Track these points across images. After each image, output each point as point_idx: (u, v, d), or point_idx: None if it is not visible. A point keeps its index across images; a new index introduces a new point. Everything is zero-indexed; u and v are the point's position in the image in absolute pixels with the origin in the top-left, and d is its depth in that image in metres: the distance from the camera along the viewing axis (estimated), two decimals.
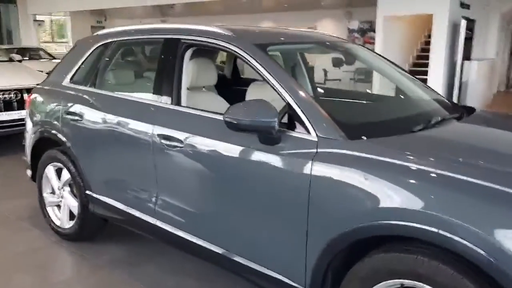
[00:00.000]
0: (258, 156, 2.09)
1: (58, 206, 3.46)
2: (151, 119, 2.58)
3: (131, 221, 2.84)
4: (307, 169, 1.90)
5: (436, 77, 9.30)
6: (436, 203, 1.58)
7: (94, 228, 3.31)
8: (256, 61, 2.25)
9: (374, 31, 14.26)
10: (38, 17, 20.64)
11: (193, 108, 2.46)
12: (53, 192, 3.46)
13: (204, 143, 2.31)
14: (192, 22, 2.70)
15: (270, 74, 2.19)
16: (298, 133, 2.02)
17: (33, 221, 3.73)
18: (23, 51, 13.86)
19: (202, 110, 2.43)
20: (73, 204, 3.27)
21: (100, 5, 16.58)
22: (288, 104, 2.08)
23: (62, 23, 25.93)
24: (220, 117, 2.27)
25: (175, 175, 2.50)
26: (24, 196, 4.25)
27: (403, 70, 2.79)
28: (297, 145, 1.99)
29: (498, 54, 12.76)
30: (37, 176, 3.52)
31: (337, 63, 2.67)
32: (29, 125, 3.56)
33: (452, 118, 2.34)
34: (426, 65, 9.79)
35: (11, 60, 8.15)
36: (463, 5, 9.78)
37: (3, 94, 5.82)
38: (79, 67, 3.26)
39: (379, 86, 8.17)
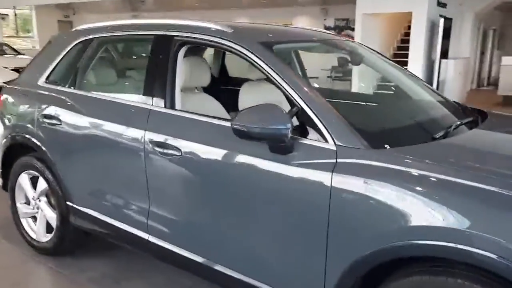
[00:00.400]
0: (268, 166, 1.88)
1: (34, 218, 3.16)
2: (141, 124, 2.33)
3: (119, 236, 2.58)
4: (326, 182, 1.71)
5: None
6: (478, 222, 1.42)
7: (75, 241, 3.03)
8: (263, 61, 2.05)
9: (350, 28, 14.29)
10: (1, 11, 19.69)
11: (191, 113, 2.23)
12: (27, 203, 3.16)
13: (206, 152, 2.09)
14: (185, 17, 2.47)
15: (279, 75, 1.99)
16: (313, 141, 1.83)
17: (5, 234, 3.40)
18: None
19: (201, 114, 2.20)
20: (51, 215, 2.98)
21: None
22: (301, 109, 1.88)
23: (26, 17, 24.86)
24: (225, 123, 2.07)
25: (171, 187, 2.26)
26: None
27: (410, 72, 2.64)
28: (312, 154, 1.80)
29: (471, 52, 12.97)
30: (9, 185, 3.20)
31: (342, 62, 2.50)
32: None
33: (468, 123, 2.20)
34: (404, 62, 9.80)
35: None
36: (440, 4, 9.84)
37: None
38: (56, 66, 2.96)
39: (358, 84, 8.10)
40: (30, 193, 3.10)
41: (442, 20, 9.26)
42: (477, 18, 12.32)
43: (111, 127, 2.47)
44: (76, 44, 2.89)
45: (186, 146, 2.14)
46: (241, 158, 1.96)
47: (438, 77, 9.62)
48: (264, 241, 1.95)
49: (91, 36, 2.83)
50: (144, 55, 2.89)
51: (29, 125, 2.93)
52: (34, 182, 3.06)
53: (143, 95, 2.41)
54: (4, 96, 3.23)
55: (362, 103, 2.29)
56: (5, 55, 13.13)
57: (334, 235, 1.71)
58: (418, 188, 1.54)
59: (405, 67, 9.50)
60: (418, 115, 2.22)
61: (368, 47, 2.65)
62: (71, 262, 3.02)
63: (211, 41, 2.27)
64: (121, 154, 2.45)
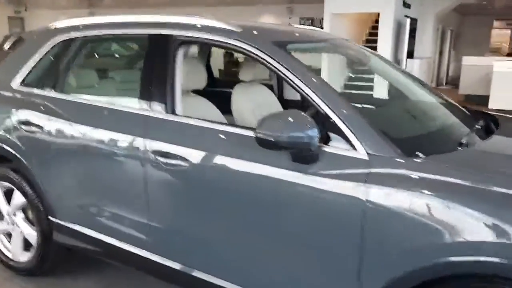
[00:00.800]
0: (291, 177, 1.73)
1: (9, 235, 2.86)
2: (139, 131, 2.12)
3: (112, 254, 2.36)
4: (359, 194, 1.59)
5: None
6: None
7: (57, 259, 2.76)
8: (278, 62, 1.90)
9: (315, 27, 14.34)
10: None
11: (199, 119, 2.04)
12: (1, 219, 2.85)
13: (218, 162, 1.91)
14: (180, 14, 2.27)
15: (298, 78, 1.84)
16: (340, 149, 1.69)
17: None
18: None
19: (211, 121, 2.03)
20: (30, 232, 2.70)
21: None
22: (324, 115, 1.75)
23: None
24: (240, 131, 1.91)
25: (177, 201, 2.07)
26: None
27: (412, 75, 2.56)
28: (340, 163, 1.67)
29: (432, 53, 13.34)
30: None
31: (351, 63, 2.38)
32: None
33: (485, 128, 2.14)
34: None
35: None
36: (405, 4, 10.03)
37: None
38: (34, 67, 2.67)
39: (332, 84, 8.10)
40: (4, 207, 2.79)
41: (408, 21, 9.43)
42: (437, 19, 12.68)
43: (103, 135, 2.24)
44: (56, 44, 2.62)
45: (194, 155, 1.96)
46: (260, 169, 1.80)
47: None
48: (287, 261, 1.80)
49: (73, 36, 2.57)
50: (135, 55, 2.66)
51: (3, 133, 2.63)
52: (7, 195, 2.77)
53: (140, 99, 2.20)
54: None
55: (385, 108, 2.18)
56: None
57: (369, 252, 1.59)
58: (466, 200, 1.45)
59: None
60: (440, 121, 2.14)
61: (367, 48, 2.56)
62: (53, 282, 2.75)
63: (216, 40, 2.09)
64: (116, 165, 2.23)
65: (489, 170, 1.61)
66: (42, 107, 2.48)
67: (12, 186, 2.70)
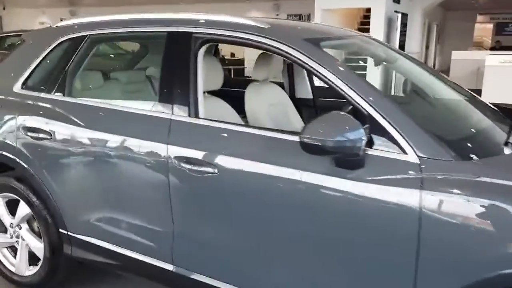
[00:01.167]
0: (336, 184, 1.62)
1: (12, 248, 2.68)
2: (162, 137, 1.98)
3: (132, 267, 2.21)
4: (414, 201, 1.48)
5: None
6: None
7: (66, 273, 2.59)
8: (314, 61, 1.78)
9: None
10: None
11: (227, 123, 1.91)
12: (2, 231, 2.67)
13: (251, 169, 1.78)
14: (202, 11, 2.14)
15: (338, 77, 1.72)
16: (387, 152, 1.59)
17: None
18: None
19: (240, 124, 1.91)
20: (36, 245, 2.53)
21: None
22: (368, 116, 1.63)
23: None
24: (275, 134, 1.78)
25: (205, 210, 1.93)
26: None
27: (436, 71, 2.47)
28: (389, 168, 1.56)
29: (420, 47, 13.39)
30: None
31: (378, 61, 2.29)
32: None
33: None
34: (364, 58, 9.87)
35: None
36: (395, 0, 10.00)
37: None
38: (35, 69, 2.49)
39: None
40: (7, 219, 2.62)
41: (399, 16, 9.41)
42: (424, 13, 12.72)
43: (121, 141, 2.09)
44: (60, 43, 2.45)
45: (224, 162, 1.83)
46: (300, 175, 1.68)
47: None
48: (335, 276, 1.69)
49: (80, 34, 2.40)
50: (151, 55, 2.50)
51: (5, 140, 2.46)
52: (10, 206, 2.59)
53: (160, 102, 2.06)
54: None
55: (430, 108, 2.07)
56: None
57: (425, 263, 1.49)
58: None
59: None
60: (482, 122, 2.04)
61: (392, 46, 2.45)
62: None
63: (242, 38, 1.96)
64: (135, 172, 2.08)
65: None
66: (50, 112, 2.31)
67: (16, 197, 2.53)
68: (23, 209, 2.51)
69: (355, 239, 1.61)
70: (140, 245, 2.13)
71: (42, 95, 2.41)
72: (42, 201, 2.41)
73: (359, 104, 1.65)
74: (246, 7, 15.60)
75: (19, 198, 2.51)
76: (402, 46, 9.98)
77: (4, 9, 19.78)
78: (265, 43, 1.89)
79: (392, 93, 7.20)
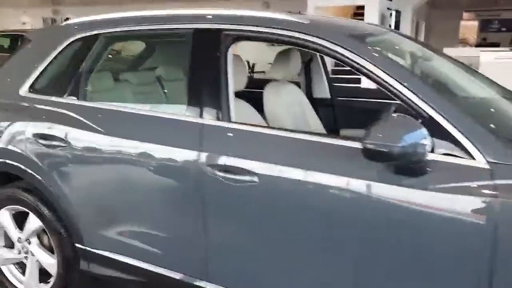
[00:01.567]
0: (397, 193, 1.48)
1: (20, 264, 2.49)
2: (193, 143, 1.83)
3: (160, 284, 2.05)
4: (489, 210, 1.37)
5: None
6: None
7: None
8: (363, 58, 1.64)
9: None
10: None
11: (266, 127, 1.77)
12: (9, 246, 2.48)
13: (297, 176, 1.64)
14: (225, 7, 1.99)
15: (392, 77, 1.58)
16: (452, 157, 1.46)
17: None
18: None
19: (279, 129, 1.76)
20: (48, 261, 2.34)
21: None
22: (429, 118, 1.51)
23: None
24: (325, 139, 1.65)
25: (243, 221, 1.79)
26: None
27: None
28: (456, 175, 1.44)
29: None
30: None
31: (415, 58, 2.17)
32: None
33: None
34: None
35: None
36: None
37: None
38: (44, 71, 2.31)
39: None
40: (14, 233, 2.42)
41: (394, 13, 9.38)
42: (414, 11, 12.75)
43: (145, 148, 1.92)
44: (72, 43, 2.27)
45: (265, 169, 1.69)
46: (355, 184, 1.54)
47: None
48: None
49: (94, 32, 2.22)
50: (175, 54, 2.32)
51: (12, 148, 2.27)
52: (18, 219, 2.40)
53: (189, 105, 1.90)
54: None
55: (484, 109, 1.96)
56: None
57: (502, 277, 1.37)
58: None
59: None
60: None
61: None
62: None
63: (279, 35, 1.82)
64: (163, 182, 1.92)
65: None
66: (65, 117, 2.13)
67: (24, 209, 2.34)
68: (33, 222, 2.33)
69: (420, 255, 1.48)
70: (168, 259, 1.97)
71: (54, 99, 2.23)
72: (54, 213, 2.23)
73: (417, 105, 1.52)
74: (235, 6, 15.40)
75: (28, 211, 2.33)
76: None
77: None
78: (306, 40, 1.75)
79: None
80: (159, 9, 2.15)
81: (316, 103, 3.05)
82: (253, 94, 2.50)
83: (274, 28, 1.83)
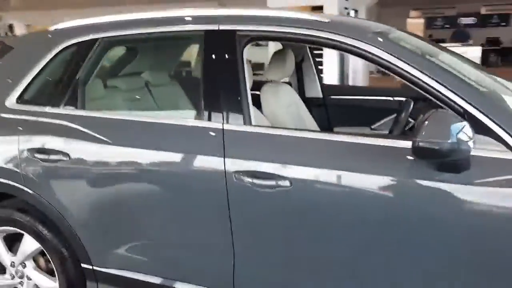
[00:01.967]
0: (444, 190, 1.47)
1: None
2: (215, 150, 1.74)
3: None
4: None
5: (331, 66, 9.54)
6: None
7: None
8: (391, 55, 1.62)
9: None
10: None
11: (293, 129, 1.72)
12: (2, 272, 2.27)
13: (334, 180, 1.59)
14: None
15: (423, 72, 1.57)
16: (492, 152, 1.47)
17: None
18: None
19: (309, 130, 1.72)
20: (47, 284, 2.17)
21: None
22: (466, 112, 1.51)
23: None
24: (350, 139, 1.61)
25: (275, 230, 1.71)
26: None
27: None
28: (499, 169, 1.45)
29: None
30: None
31: (431, 55, 2.18)
32: None
33: None
34: (319, 54, 9.94)
35: None
36: None
37: None
38: (33, 80, 2.13)
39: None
40: (6, 257, 2.23)
41: (353, 12, 9.57)
42: (366, 11, 13.10)
43: (161, 158, 1.82)
44: (65, 49, 2.11)
45: (298, 173, 1.63)
46: (399, 184, 1.52)
47: (348, 66, 10.07)
48: None
49: (92, 37, 2.07)
50: (181, 57, 2.20)
51: (5, 165, 2.08)
52: (8, 241, 2.21)
53: (206, 110, 1.81)
54: None
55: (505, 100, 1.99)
56: None
57: None
58: None
59: (320, 59, 9.71)
60: None
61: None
62: None
63: (298, 34, 1.77)
64: (182, 192, 1.82)
65: None
66: (64, 129, 1.98)
67: (18, 230, 2.15)
68: (29, 244, 2.14)
69: (477, 253, 1.48)
70: (191, 274, 1.87)
71: (48, 109, 2.06)
72: (55, 233, 2.07)
73: (453, 101, 1.52)
74: (190, 6, 15.19)
75: (22, 232, 2.14)
76: None
77: None
78: (329, 39, 1.71)
79: None
80: (117, 13, 2.05)
81: (309, 103, 3.04)
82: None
83: (292, 27, 1.78)
